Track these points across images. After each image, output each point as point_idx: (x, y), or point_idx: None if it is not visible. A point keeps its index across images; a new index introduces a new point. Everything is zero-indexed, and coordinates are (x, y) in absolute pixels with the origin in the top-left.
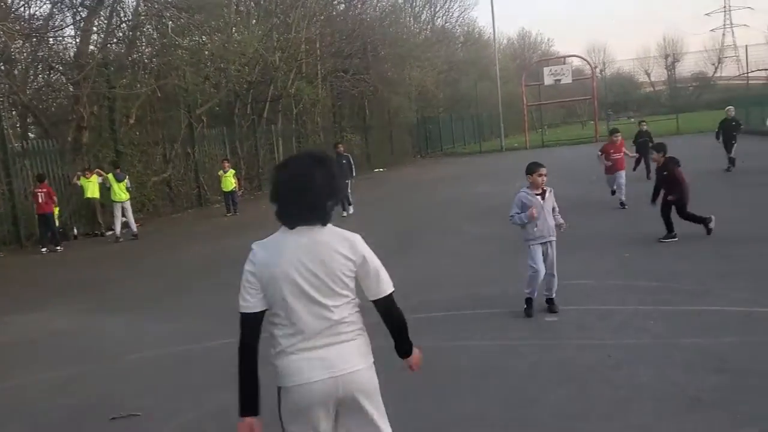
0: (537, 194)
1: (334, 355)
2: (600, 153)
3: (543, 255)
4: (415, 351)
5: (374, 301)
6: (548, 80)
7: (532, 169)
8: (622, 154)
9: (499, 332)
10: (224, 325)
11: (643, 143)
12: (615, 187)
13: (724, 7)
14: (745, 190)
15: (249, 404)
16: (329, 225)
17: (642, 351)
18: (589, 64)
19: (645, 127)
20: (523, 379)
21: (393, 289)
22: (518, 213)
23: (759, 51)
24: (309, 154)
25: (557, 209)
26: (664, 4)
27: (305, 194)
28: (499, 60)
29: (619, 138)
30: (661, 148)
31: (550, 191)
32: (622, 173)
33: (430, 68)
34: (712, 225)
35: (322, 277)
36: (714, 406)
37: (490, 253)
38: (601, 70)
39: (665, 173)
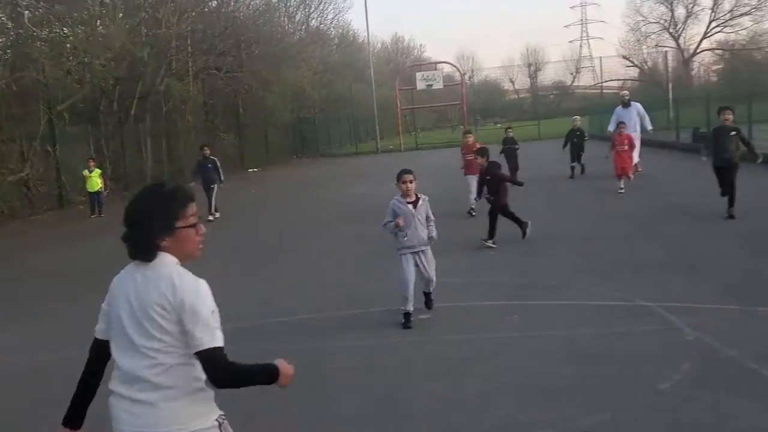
0: (409, 202)
1: (145, 413)
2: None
3: (415, 264)
4: (283, 369)
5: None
6: (420, 85)
7: (398, 176)
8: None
9: (374, 331)
10: (82, 333)
11: (509, 150)
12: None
13: (581, 20)
14: (593, 194)
15: (69, 416)
16: (167, 261)
17: (507, 344)
18: (458, 70)
19: (511, 134)
20: (396, 376)
21: (214, 345)
22: (390, 221)
23: (612, 63)
24: (144, 188)
25: (432, 219)
26: (528, 14)
27: (131, 229)
28: (374, 63)
29: (470, 139)
30: (484, 153)
31: (424, 200)
32: (474, 178)
33: (305, 68)
34: (528, 230)
35: (138, 315)
36: (572, 394)
37: (366, 253)
38: (469, 77)
39: (488, 177)
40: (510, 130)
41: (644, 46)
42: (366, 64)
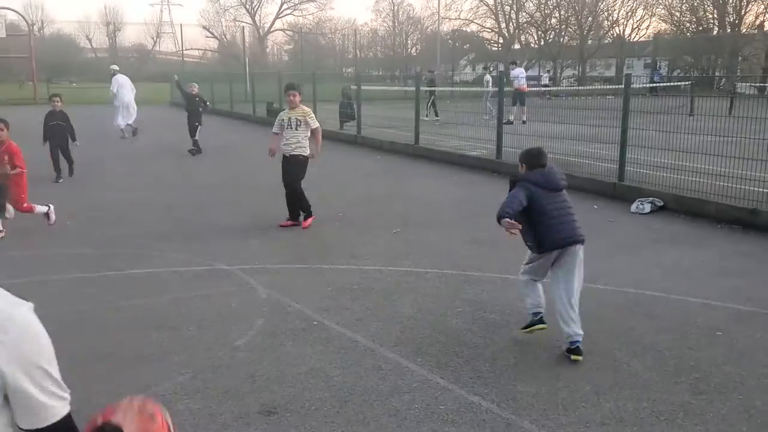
0: None
1: None
2: None
3: None
4: None
5: None
6: None
7: None
8: None
9: None
10: None
11: (55, 126)
12: None
13: None
14: (175, 160)
15: None
16: None
17: (85, 317)
18: (25, 20)
19: (59, 105)
20: None
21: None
22: None
23: (193, 31)
24: None
25: None
26: None
27: None
28: None
29: None
30: None
31: None
32: None
33: None
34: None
35: None
36: (153, 360)
37: None
38: (39, 29)
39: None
40: (57, 100)
41: (223, 19)
42: None
